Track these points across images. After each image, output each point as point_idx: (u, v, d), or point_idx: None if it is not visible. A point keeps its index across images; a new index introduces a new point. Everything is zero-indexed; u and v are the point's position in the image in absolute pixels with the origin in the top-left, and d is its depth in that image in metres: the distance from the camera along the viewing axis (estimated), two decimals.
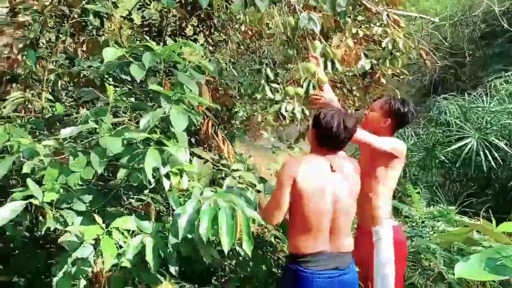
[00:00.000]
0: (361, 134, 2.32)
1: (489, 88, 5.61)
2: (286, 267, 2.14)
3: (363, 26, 4.02)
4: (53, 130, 2.90)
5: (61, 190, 1.84)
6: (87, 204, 1.91)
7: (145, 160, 1.83)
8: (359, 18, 4.02)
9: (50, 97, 3.06)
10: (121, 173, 1.88)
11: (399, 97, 4.35)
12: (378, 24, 4.02)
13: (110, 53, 2.11)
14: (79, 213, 1.89)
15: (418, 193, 3.87)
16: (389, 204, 2.52)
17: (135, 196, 2.07)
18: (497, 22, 10.08)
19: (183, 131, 2.05)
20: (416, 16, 5.31)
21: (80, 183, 1.85)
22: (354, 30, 3.74)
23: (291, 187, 2.03)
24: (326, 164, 2.07)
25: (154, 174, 1.91)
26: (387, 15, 3.77)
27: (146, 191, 2.05)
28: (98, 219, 1.79)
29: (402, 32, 3.95)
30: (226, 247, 1.72)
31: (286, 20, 2.84)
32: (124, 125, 2.23)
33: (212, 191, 2.02)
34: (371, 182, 2.48)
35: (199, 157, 2.99)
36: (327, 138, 2.07)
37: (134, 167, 1.91)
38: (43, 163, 1.91)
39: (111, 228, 1.76)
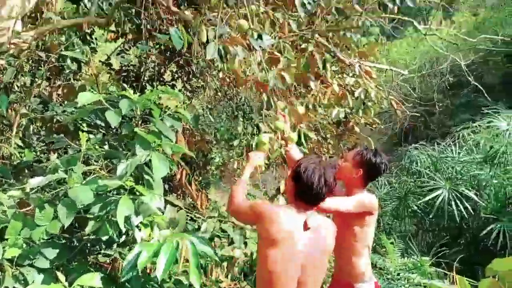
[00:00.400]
0: (327, 204, 2.24)
1: (457, 138, 5.82)
2: None
3: (336, 76, 4.18)
4: (21, 177, 2.81)
5: (24, 245, 1.75)
6: (51, 260, 1.81)
7: (118, 208, 1.78)
8: (333, 68, 4.16)
9: (20, 143, 2.99)
10: (90, 226, 1.81)
11: (372, 146, 4.47)
12: (351, 74, 4.18)
13: (85, 98, 2.09)
14: (40, 270, 1.78)
15: (392, 243, 3.87)
16: (368, 259, 2.50)
17: (102, 251, 1.98)
18: (463, 73, 10.63)
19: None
20: (386, 69, 5.54)
21: (45, 237, 1.77)
22: (329, 80, 3.88)
23: (261, 224, 1.98)
24: (301, 220, 2.00)
25: (125, 225, 1.85)
26: (360, 66, 3.92)
27: (114, 246, 1.97)
28: (61, 276, 1.69)
29: (374, 82, 4.10)
30: (159, 273, 1.66)
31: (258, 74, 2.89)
32: (96, 174, 2.18)
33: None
34: (350, 240, 2.45)
35: (173, 204, 2.93)
36: (307, 193, 2.00)
37: (103, 219, 1.85)
38: (6, 214, 1.83)
39: (74, 287, 1.66)
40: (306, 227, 1.98)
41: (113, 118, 2.09)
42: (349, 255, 2.46)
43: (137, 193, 1.89)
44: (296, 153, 2.73)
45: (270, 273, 1.93)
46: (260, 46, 2.61)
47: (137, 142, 2.03)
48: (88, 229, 1.79)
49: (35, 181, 1.93)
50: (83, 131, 2.78)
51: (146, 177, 2.08)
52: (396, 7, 3.39)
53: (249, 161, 2.43)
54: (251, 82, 3.14)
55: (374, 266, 3.63)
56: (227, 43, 2.59)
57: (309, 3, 3.15)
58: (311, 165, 2.02)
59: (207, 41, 2.61)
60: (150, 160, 2.00)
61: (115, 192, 2.01)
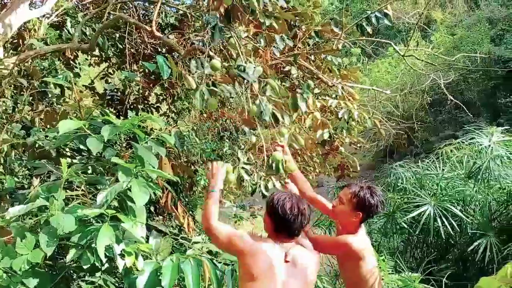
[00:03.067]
0: (311, 243, 2.26)
1: (441, 155, 5.91)
2: None
3: (319, 98, 4.23)
4: (2, 204, 2.75)
5: (4, 275, 1.70)
6: None
7: (98, 237, 1.75)
8: (316, 90, 4.22)
9: (1, 169, 2.93)
10: (71, 254, 1.77)
11: (358, 167, 4.49)
12: (333, 96, 4.24)
13: (66, 126, 2.08)
14: None
15: (383, 260, 3.87)
16: None
17: (86, 279, 1.93)
18: (443, 90, 10.90)
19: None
20: (369, 89, 5.65)
21: (27, 267, 1.72)
22: (310, 101, 3.92)
23: (241, 259, 1.97)
24: (281, 253, 1.98)
25: (107, 254, 1.81)
26: (342, 87, 3.99)
27: (98, 273, 1.92)
28: None
29: (357, 103, 4.17)
30: None
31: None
32: (78, 201, 2.15)
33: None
34: (346, 277, 2.46)
35: (158, 230, 2.89)
36: (284, 225, 2.00)
37: (85, 247, 1.81)
38: None
39: None
40: (286, 260, 1.98)
41: (94, 145, 2.08)
42: None
43: (121, 220, 1.87)
44: (299, 180, 2.72)
45: None
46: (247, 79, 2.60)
47: (119, 168, 2.02)
48: (69, 257, 1.75)
49: (15, 210, 1.90)
50: (65, 156, 2.75)
51: (129, 203, 2.06)
52: (370, 29, 3.47)
53: (215, 174, 2.36)
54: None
55: None
56: (216, 80, 2.59)
57: (288, 38, 3.22)
58: (282, 196, 2.05)
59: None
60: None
61: (97, 219, 1.98)
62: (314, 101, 3.83)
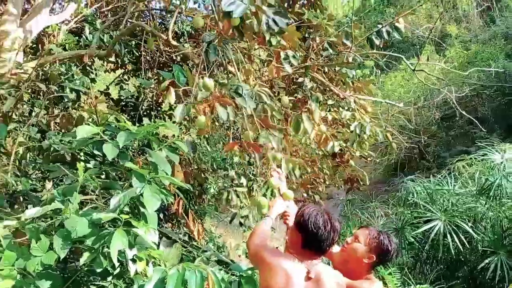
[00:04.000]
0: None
1: (453, 171, 5.86)
2: None
3: (332, 110, 4.24)
4: (16, 206, 2.80)
5: (18, 276, 1.73)
6: None
7: (112, 242, 1.77)
8: (329, 102, 4.23)
9: (17, 171, 2.99)
10: (85, 257, 1.80)
11: (367, 181, 4.46)
12: (346, 108, 4.24)
13: (84, 131, 2.12)
14: None
15: (390, 274, 3.84)
16: None
17: (97, 283, 1.96)
18: (457, 105, 10.81)
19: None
20: (381, 102, 5.63)
21: (40, 268, 1.75)
22: (323, 114, 3.93)
23: (261, 270, 1.95)
24: (302, 270, 1.91)
25: (119, 258, 1.84)
26: (354, 101, 3.99)
27: (109, 278, 1.95)
28: None
29: (369, 116, 4.16)
30: None
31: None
32: (92, 205, 2.18)
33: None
34: None
35: (168, 237, 2.91)
36: (315, 241, 1.92)
37: (98, 251, 1.84)
38: (1, 245, 1.81)
39: None
40: (308, 277, 1.91)
41: (110, 151, 2.11)
42: None
43: (134, 225, 1.89)
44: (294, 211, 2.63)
45: None
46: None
47: (133, 174, 2.05)
48: (82, 260, 1.77)
49: (31, 212, 1.92)
50: (80, 161, 2.80)
51: (143, 209, 2.09)
52: (382, 42, 3.46)
53: (276, 203, 2.36)
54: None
55: None
56: (216, 100, 2.53)
57: (293, 56, 3.20)
58: (314, 211, 1.95)
59: None
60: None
61: (110, 223, 2.01)
62: (320, 114, 3.83)
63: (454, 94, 6.55)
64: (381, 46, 3.39)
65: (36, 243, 1.79)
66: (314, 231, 1.90)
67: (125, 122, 2.29)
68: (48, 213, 2.02)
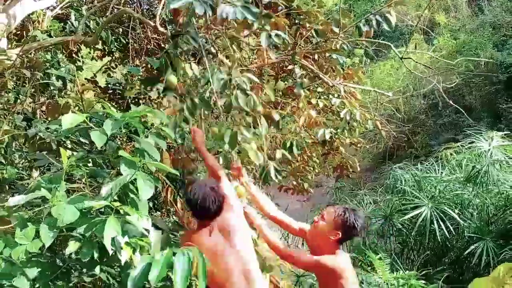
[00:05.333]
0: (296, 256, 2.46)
1: (440, 158, 5.92)
2: None
3: (322, 97, 4.23)
4: (2, 195, 2.76)
5: (3, 264, 1.71)
6: (32, 280, 1.76)
7: (105, 229, 1.74)
8: (319, 89, 4.22)
9: (2, 160, 2.94)
10: (71, 246, 1.77)
11: (357, 167, 4.48)
12: (336, 95, 4.23)
13: (69, 120, 2.08)
14: None
15: (380, 258, 3.89)
16: None
17: (85, 271, 1.94)
18: (445, 94, 10.89)
19: None
20: (370, 90, 5.63)
21: (25, 256, 1.72)
22: (314, 101, 3.92)
23: None
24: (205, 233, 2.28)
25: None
26: (344, 88, 3.98)
27: (97, 267, 1.92)
28: None
29: (359, 103, 4.16)
30: None
31: None
32: (80, 193, 2.16)
33: None
34: None
35: (156, 226, 2.89)
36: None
37: (86, 239, 1.82)
38: None
39: None
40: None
41: (98, 139, 2.07)
42: None
43: (123, 213, 1.87)
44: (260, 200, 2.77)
45: None
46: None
47: (122, 161, 2.02)
48: (68, 250, 1.75)
49: (15, 199, 1.89)
50: (66, 149, 2.76)
51: (133, 196, 2.07)
52: (372, 30, 3.44)
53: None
54: None
55: (361, 284, 3.65)
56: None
57: (276, 35, 3.16)
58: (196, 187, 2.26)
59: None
60: (135, 180, 1.99)
61: (97, 211, 1.98)
62: (304, 100, 3.82)
63: (442, 83, 6.57)
64: (370, 35, 3.37)
65: (21, 231, 1.76)
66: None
67: (110, 109, 2.25)
68: (34, 201, 1.99)
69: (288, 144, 3.28)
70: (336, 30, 3.35)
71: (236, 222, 2.31)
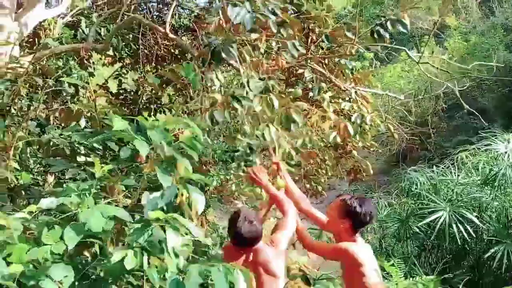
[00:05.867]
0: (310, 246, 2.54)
1: (456, 161, 5.82)
2: None
3: (333, 101, 4.19)
4: (18, 201, 2.75)
5: (30, 266, 1.68)
6: (57, 283, 1.73)
7: (167, 238, 1.75)
8: (329, 94, 4.18)
9: (17, 166, 2.94)
10: (118, 254, 1.74)
11: (370, 170, 4.43)
12: (347, 99, 4.19)
13: (120, 125, 2.04)
14: None
15: (393, 265, 3.81)
16: None
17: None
18: (457, 96, 10.76)
19: None
20: (382, 94, 5.58)
21: (50, 257, 1.70)
22: (325, 105, 3.88)
23: None
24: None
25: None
26: (355, 92, 3.94)
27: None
28: None
29: (370, 107, 4.12)
30: None
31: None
32: (107, 200, 2.13)
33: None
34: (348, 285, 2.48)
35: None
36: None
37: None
38: (11, 238, 1.76)
39: None
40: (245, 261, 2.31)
41: (143, 148, 2.02)
42: None
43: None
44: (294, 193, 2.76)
45: None
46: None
47: (160, 171, 1.98)
48: (115, 258, 1.72)
49: (46, 202, 1.87)
50: (79, 155, 2.75)
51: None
52: (387, 34, 3.43)
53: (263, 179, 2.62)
54: None
55: None
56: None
57: (300, 45, 3.20)
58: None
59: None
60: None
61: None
62: (328, 103, 3.80)
63: (456, 86, 6.49)
64: (386, 40, 3.36)
65: (49, 231, 1.74)
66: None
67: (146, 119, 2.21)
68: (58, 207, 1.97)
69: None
70: (349, 35, 3.34)
71: (272, 264, 2.30)
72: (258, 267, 2.27)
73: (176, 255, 1.85)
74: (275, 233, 2.50)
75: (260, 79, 2.71)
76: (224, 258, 2.43)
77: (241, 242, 2.27)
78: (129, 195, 2.27)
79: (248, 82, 2.67)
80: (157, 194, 1.92)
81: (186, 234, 1.87)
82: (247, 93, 2.67)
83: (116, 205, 1.99)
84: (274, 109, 2.79)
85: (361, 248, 2.39)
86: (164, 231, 1.80)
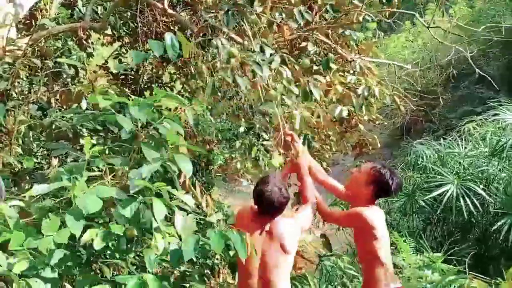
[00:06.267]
0: (325, 214, 2.55)
1: (463, 133, 5.74)
2: None
3: (338, 74, 4.10)
4: (22, 185, 2.75)
5: (31, 257, 1.68)
6: (57, 270, 1.73)
7: (154, 209, 1.75)
8: (334, 66, 4.09)
9: (19, 150, 2.92)
10: (99, 240, 1.73)
11: (378, 144, 4.39)
12: (352, 71, 4.11)
13: (103, 100, 2.02)
14: (47, 280, 1.70)
15: (405, 241, 3.82)
16: (388, 268, 2.46)
17: (107, 260, 1.91)
18: (462, 65, 10.57)
19: None
20: (388, 64, 5.47)
21: (53, 247, 1.70)
22: (328, 78, 3.80)
23: None
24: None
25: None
26: (360, 63, 3.85)
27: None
28: (68, 287, 1.63)
29: (376, 78, 4.04)
30: None
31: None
32: (99, 181, 2.11)
33: None
34: (365, 257, 2.49)
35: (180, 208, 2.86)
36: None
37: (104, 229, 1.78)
38: (7, 225, 1.75)
39: None
40: (261, 232, 2.30)
41: (125, 123, 2.01)
42: (364, 267, 2.54)
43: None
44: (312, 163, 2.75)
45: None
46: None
47: (145, 145, 1.97)
48: (84, 239, 1.71)
49: (40, 188, 1.86)
50: (82, 137, 2.72)
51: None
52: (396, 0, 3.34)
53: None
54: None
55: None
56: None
57: (306, 12, 3.12)
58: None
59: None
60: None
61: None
62: (335, 74, 3.73)
63: (467, 52, 6.32)
64: (394, 5, 3.25)
65: (46, 221, 1.72)
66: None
67: (128, 97, 2.17)
68: (52, 192, 1.95)
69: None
70: (356, 2, 3.24)
71: (288, 240, 2.30)
72: (273, 239, 2.26)
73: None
74: (296, 212, 2.49)
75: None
76: (236, 224, 2.40)
77: (268, 208, 2.25)
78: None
79: (262, 48, 2.60)
80: (142, 168, 1.90)
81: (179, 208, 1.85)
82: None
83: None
84: (290, 81, 2.76)
85: (375, 213, 2.44)
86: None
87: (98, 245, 1.70)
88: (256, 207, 2.31)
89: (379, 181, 2.43)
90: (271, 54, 2.69)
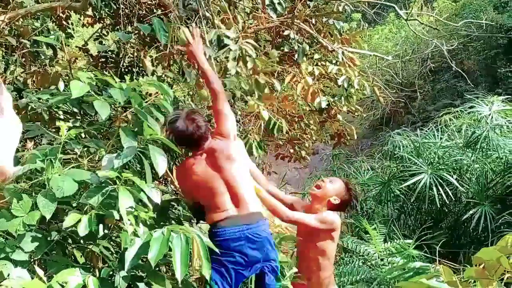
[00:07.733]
0: (295, 215, 2.60)
1: (439, 124, 5.86)
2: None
3: (319, 64, 4.13)
4: None
5: (1, 239, 1.67)
6: (28, 253, 1.73)
7: (119, 199, 1.71)
8: (316, 56, 4.11)
9: None
10: (69, 220, 1.72)
11: (355, 135, 4.48)
12: (334, 62, 4.13)
13: (79, 89, 1.99)
14: (17, 263, 1.69)
15: (375, 229, 3.91)
16: (331, 271, 2.73)
17: (79, 245, 1.90)
18: (443, 59, 10.72)
19: None
20: (370, 55, 5.51)
21: (22, 229, 1.68)
22: (310, 69, 3.81)
23: None
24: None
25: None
26: (343, 53, 3.88)
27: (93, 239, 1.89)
28: (39, 271, 1.62)
29: (357, 69, 4.07)
30: (179, 276, 1.66)
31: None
32: (74, 164, 2.10)
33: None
34: (316, 257, 2.64)
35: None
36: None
37: (83, 212, 1.78)
38: None
39: (54, 283, 1.59)
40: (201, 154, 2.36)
41: (103, 109, 1.99)
42: (317, 270, 2.67)
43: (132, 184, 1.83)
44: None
45: None
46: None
47: (123, 132, 1.96)
48: (66, 223, 1.70)
49: (13, 170, 1.84)
50: (58, 119, 2.68)
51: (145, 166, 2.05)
52: None
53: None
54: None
55: (354, 252, 3.77)
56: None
57: (279, 3, 3.13)
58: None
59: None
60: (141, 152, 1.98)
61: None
62: (307, 66, 3.76)
63: (445, 46, 6.43)
64: None
65: (18, 203, 1.71)
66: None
67: (113, 78, 2.15)
68: (25, 174, 1.93)
69: (271, 125, 3.34)
70: None
71: (233, 152, 2.34)
72: (217, 157, 2.30)
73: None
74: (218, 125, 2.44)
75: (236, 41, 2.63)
76: (178, 179, 2.55)
77: (191, 142, 2.30)
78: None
79: (219, 39, 2.60)
80: (114, 155, 1.89)
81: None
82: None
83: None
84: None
85: (338, 218, 2.70)
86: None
87: (82, 231, 1.70)
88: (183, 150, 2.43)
89: (347, 199, 2.70)
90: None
